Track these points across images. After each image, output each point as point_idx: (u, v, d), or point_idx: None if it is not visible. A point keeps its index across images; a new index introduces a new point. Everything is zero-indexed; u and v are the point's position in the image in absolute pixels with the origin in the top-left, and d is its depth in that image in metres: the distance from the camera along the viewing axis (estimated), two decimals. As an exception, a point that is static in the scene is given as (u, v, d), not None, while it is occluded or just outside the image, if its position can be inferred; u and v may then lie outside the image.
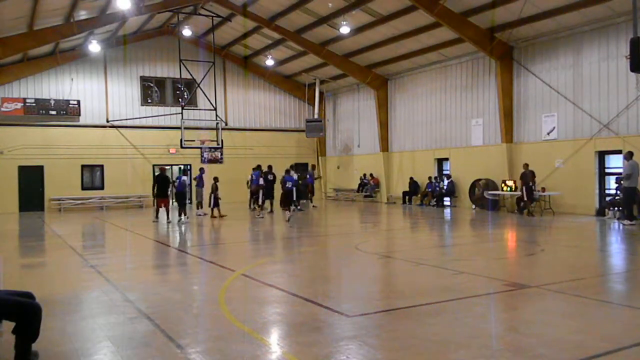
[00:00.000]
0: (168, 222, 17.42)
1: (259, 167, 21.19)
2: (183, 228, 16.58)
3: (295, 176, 22.48)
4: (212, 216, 19.10)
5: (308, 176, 24.47)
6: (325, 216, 20.54)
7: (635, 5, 10.85)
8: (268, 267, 9.60)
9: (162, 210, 17.91)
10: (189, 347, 5.03)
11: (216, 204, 19.33)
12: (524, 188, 17.76)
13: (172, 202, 20.08)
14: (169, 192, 18.72)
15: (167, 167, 27.99)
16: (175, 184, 18.98)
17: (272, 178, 21.01)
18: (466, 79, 22.01)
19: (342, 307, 6.33)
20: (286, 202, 17.72)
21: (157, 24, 26.37)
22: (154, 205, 18.60)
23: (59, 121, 25.21)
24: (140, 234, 15.35)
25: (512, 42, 19.51)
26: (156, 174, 19.15)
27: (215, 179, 19.84)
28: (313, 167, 25.97)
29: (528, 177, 17.65)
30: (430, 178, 23.55)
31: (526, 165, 17.93)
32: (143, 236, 14.85)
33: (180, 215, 17.99)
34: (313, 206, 24.03)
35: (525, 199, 17.75)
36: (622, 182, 15.08)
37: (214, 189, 19.51)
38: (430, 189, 23.30)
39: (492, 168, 20.40)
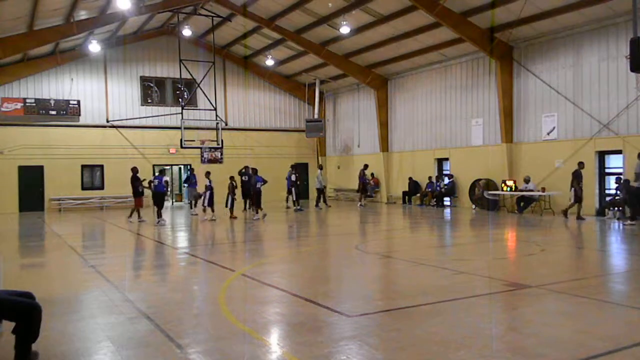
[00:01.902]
0: (140, 222, 17.53)
1: (254, 169, 20.98)
2: (173, 228, 16.54)
3: (296, 176, 22.69)
4: (232, 217, 18.93)
5: (360, 177, 24.52)
6: (325, 216, 20.53)
7: (635, 5, 10.85)
8: (268, 267, 9.61)
9: (157, 210, 17.78)
10: (189, 347, 5.03)
11: (232, 204, 19.33)
12: (573, 189, 16.21)
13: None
14: (141, 192, 18.38)
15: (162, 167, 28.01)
16: (155, 183, 17.92)
17: (246, 179, 21.21)
18: (466, 79, 22.01)
19: (342, 307, 6.33)
20: (256, 202, 17.94)
21: (157, 24, 26.36)
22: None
23: (59, 121, 25.19)
24: (140, 234, 15.35)
25: (512, 42, 19.50)
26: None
27: (232, 178, 19.83)
28: (366, 166, 25.23)
29: (580, 177, 16.13)
30: (430, 178, 23.56)
31: (581, 164, 16.33)
32: (143, 236, 14.85)
33: (159, 216, 17.55)
34: (360, 205, 23.86)
35: (572, 201, 16.32)
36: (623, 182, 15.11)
37: (231, 189, 19.42)
38: (430, 189, 23.30)
39: (492, 168, 20.40)
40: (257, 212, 18.43)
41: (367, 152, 27.87)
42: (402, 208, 23.12)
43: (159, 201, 17.84)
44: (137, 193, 18.26)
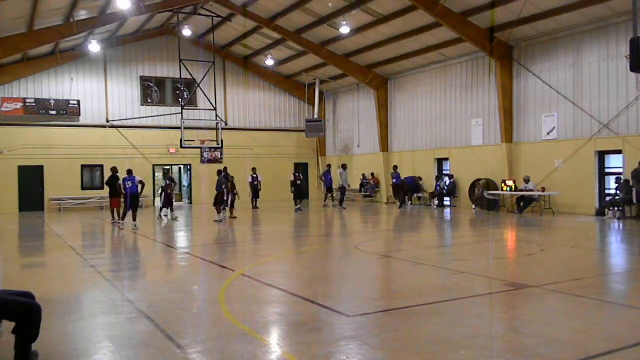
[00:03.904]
0: (116, 222, 17.09)
1: (225, 169, 20.95)
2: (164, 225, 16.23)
3: (296, 176, 22.62)
4: (232, 217, 18.89)
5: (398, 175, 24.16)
6: (325, 216, 20.52)
7: (635, 5, 10.84)
8: (268, 267, 9.60)
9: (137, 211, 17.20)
10: (189, 347, 5.03)
11: (233, 204, 19.38)
12: (635, 190, 15.12)
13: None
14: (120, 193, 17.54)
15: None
16: (128, 185, 16.41)
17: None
18: (466, 79, 22.01)
19: (342, 307, 6.33)
20: (218, 202, 18.00)
21: (157, 24, 26.36)
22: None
23: (59, 121, 25.20)
24: (139, 234, 15.35)
25: (512, 42, 19.50)
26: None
27: (232, 178, 19.82)
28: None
29: None
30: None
31: None
32: (142, 236, 14.85)
33: (128, 218, 16.70)
34: (403, 204, 23.38)
35: (635, 201, 15.27)
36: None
37: (232, 189, 19.42)
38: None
39: (492, 168, 20.40)
40: (218, 213, 18.00)
41: (367, 152, 27.87)
42: (402, 208, 23.08)
43: (134, 204, 16.59)
44: (115, 194, 17.72)
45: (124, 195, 16.95)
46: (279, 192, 27.71)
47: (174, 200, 19.81)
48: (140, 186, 16.65)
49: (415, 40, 21.67)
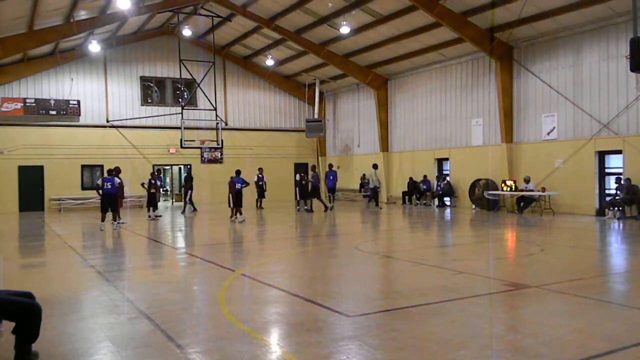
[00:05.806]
0: (120, 223, 16.54)
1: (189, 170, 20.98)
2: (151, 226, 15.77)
3: (301, 176, 22.40)
4: (232, 216, 18.83)
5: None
6: (325, 216, 20.52)
7: (635, 5, 10.85)
8: (268, 267, 9.60)
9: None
10: (189, 347, 5.03)
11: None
12: None
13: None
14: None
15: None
16: (107, 186, 15.84)
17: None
18: (466, 79, 22.01)
19: (342, 307, 6.33)
20: (237, 203, 17.72)
21: (157, 24, 26.36)
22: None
23: (59, 121, 25.20)
24: (139, 233, 15.35)
25: (512, 42, 19.51)
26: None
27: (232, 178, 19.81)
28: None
29: None
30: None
31: None
32: (142, 236, 14.85)
33: (113, 219, 16.28)
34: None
35: None
36: None
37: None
38: (426, 188, 23.50)
39: (492, 168, 20.40)
40: (235, 214, 17.78)
41: (367, 152, 27.87)
42: (402, 208, 23.12)
43: (112, 204, 16.03)
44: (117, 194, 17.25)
45: (99, 195, 16.35)
46: (279, 192, 27.71)
47: (157, 200, 19.94)
48: (118, 188, 16.22)
49: (415, 40, 21.67)
